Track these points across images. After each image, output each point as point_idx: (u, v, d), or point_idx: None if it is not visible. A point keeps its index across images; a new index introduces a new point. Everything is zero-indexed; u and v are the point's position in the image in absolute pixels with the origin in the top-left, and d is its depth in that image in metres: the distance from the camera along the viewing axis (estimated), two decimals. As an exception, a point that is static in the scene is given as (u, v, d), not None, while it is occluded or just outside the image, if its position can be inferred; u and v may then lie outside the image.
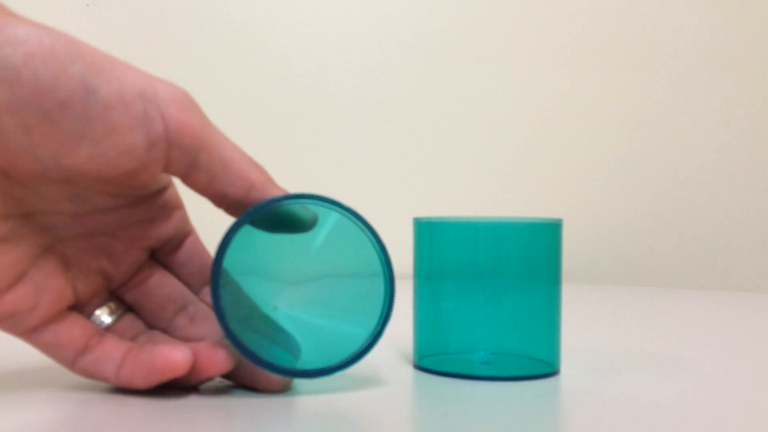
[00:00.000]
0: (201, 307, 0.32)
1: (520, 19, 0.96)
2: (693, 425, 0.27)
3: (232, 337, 0.28)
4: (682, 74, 0.95)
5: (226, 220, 0.29)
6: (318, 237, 0.31)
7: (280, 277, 0.31)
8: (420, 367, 0.35)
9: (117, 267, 0.31)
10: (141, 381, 0.28)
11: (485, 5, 0.96)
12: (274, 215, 0.29)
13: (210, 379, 0.30)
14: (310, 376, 0.29)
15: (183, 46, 0.92)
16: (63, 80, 0.24)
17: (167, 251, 0.32)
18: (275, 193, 0.29)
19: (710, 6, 0.95)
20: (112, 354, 0.29)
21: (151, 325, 0.32)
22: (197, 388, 0.31)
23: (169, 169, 0.28)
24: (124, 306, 0.32)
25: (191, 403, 0.28)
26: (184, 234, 0.33)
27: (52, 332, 0.28)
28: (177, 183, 0.31)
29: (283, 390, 0.30)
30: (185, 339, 0.31)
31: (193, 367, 0.28)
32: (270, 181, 0.29)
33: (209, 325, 0.31)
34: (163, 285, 0.32)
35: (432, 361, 0.35)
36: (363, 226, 0.30)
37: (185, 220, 0.33)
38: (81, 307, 0.30)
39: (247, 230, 0.29)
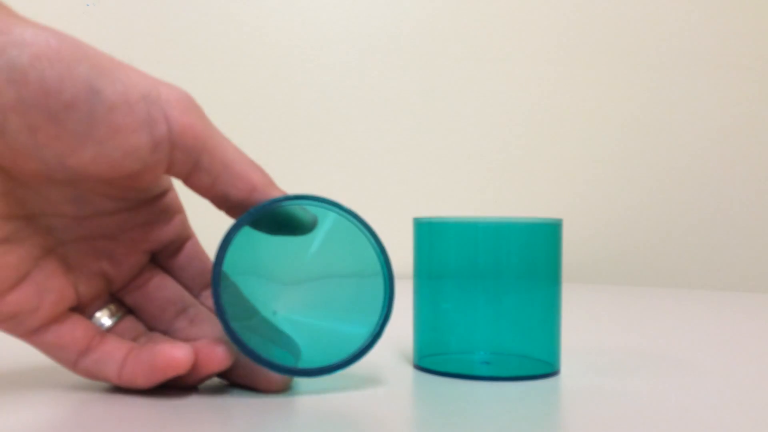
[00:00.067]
0: (201, 310, 0.32)
1: (520, 18, 0.96)
2: (693, 425, 0.27)
3: (232, 334, 0.28)
4: (682, 74, 0.95)
5: (225, 225, 0.29)
6: (317, 238, 0.31)
7: (280, 278, 0.31)
8: (420, 367, 0.35)
9: (118, 269, 0.31)
10: (143, 380, 0.28)
11: (486, 5, 0.96)
12: (274, 217, 0.30)
13: (209, 377, 0.30)
14: (310, 374, 0.29)
15: (183, 46, 0.92)
16: (68, 81, 0.25)
17: (167, 255, 0.32)
18: (277, 195, 0.29)
19: (710, 5, 0.95)
20: (113, 354, 0.29)
21: (151, 328, 0.32)
22: (197, 387, 0.31)
23: (171, 170, 0.28)
24: (125, 308, 0.32)
25: (191, 403, 0.28)
26: (185, 238, 0.33)
27: (54, 333, 0.28)
28: (177, 186, 0.31)
29: (283, 390, 0.30)
30: (185, 341, 0.31)
31: (193, 365, 0.28)
32: (271, 183, 0.29)
33: (209, 328, 0.31)
34: (163, 288, 0.32)
35: (432, 361, 0.35)
36: (362, 227, 0.30)
37: (185, 224, 0.33)
38: (82, 309, 0.30)
39: (248, 231, 0.29)
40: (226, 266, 0.28)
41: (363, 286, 0.31)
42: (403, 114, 0.95)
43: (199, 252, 0.33)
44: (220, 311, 0.28)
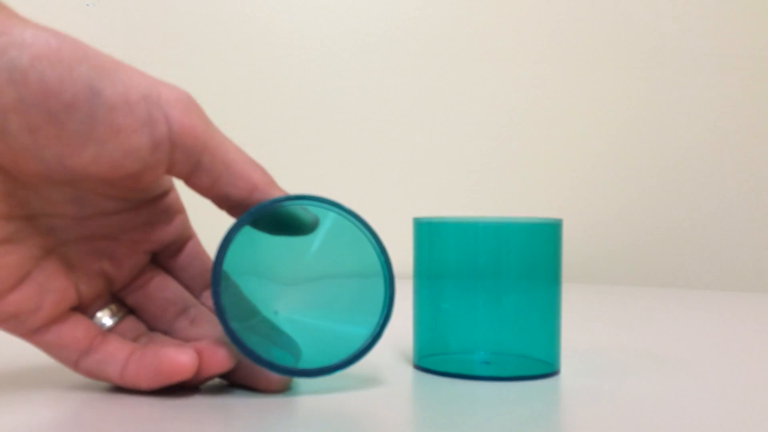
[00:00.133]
0: (201, 310, 0.32)
1: (520, 18, 0.96)
2: (693, 425, 0.27)
3: (232, 334, 0.28)
4: (682, 74, 0.95)
5: (226, 225, 0.29)
6: (318, 238, 0.31)
7: (280, 278, 0.31)
8: (420, 367, 0.35)
9: (119, 270, 0.31)
10: (146, 383, 0.28)
11: (486, 5, 0.96)
12: (275, 217, 0.30)
13: (212, 378, 0.30)
14: (310, 375, 0.29)
15: (183, 46, 0.92)
16: (69, 82, 0.25)
17: (168, 255, 0.33)
18: (277, 195, 0.29)
19: (709, 4, 0.95)
20: (115, 355, 0.29)
21: (152, 328, 0.32)
22: (198, 387, 0.31)
23: (172, 170, 0.28)
24: (126, 308, 0.32)
25: (191, 402, 0.28)
26: (186, 238, 0.33)
27: (56, 333, 0.28)
28: (178, 186, 0.31)
29: (283, 390, 0.30)
30: (186, 341, 0.31)
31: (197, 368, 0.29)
32: (272, 182, 0.29)
33: (210, 328, 0.31)
34: (164, 288, 0.32)
35: (432, 361, 0.35)
36: (362, 227, 0.30)
37: (186, 224, 0.33)
38: (83, 309, 0.30)
39: (248, 231, 0.29)
40: (227, 266, 0.28)
41: (363, 287, 0.31)
42: (403, 114, 0.95)
43: (200, 252, 0.33)
44: (219, 311, 0.28)
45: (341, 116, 0.95)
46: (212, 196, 0.29)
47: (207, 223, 0.38)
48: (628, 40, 0.96)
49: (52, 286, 0.28)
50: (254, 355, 0.28)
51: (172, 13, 0.92)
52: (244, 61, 0.93)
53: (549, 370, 0.34)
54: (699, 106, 0.96)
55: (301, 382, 0.32)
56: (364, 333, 0.30)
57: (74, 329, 0.29)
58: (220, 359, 0.29)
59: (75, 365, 0.29)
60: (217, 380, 0.32)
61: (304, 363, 0.30)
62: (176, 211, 0.32)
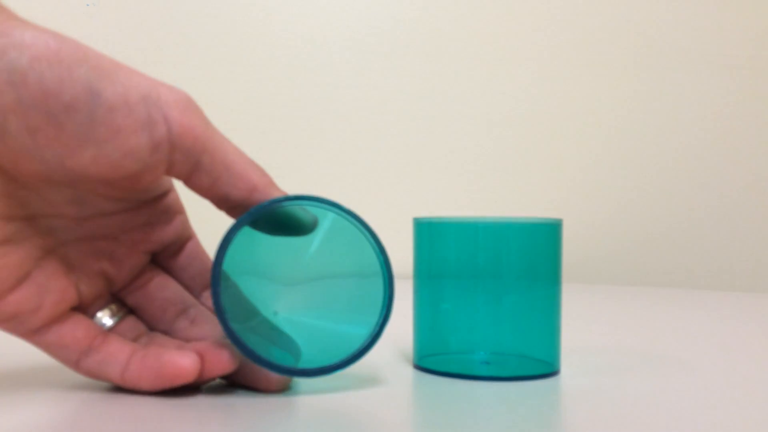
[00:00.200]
0: (201, 311, 0.32)
1: (520, 18, 0.96)
2: (693, 425, 0.27)
3: (231, 335, 0.28)
4: (683, 74, 0.95)
5: (226, 225, 0.29)
6: (317, 238, 0.31)
7: (280, 278, 0.31)
8: (420, 367, 0.35)
9: (118, 270, 0.31)
10: (147, 385, 0.29)
11: (487, 5, 0.96)
12: (274, 217, 0.30)
13: (213, 379, 0.30)
14: (310, 375, 0.29)
15: (183, 46, 0.92)
16: (68, 83, 0.25)
17: (168, 255, 0.33)
18: (277, 195, 0.29)
19: (708, 4, 0.95)
20: (116, 356, 0.29)
21: (152, 328, 0.32)
22: (199, 387, 0.31)
23: (171, 171, 0.28)
24: (126, 308, 0.32)
25: (191, 402, 0.28)
26: (185, 238, 0.33)
27: (56, 333, 0.28)
28: (178, 186, 0.32)
29: (282, 390, 0.30)
30: (186, 341, 0.31)
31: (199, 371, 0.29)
32: (272, 183, 0.29)
33: (210, 328, 0.31)
34: (164, 288, 0.32)
35: (432, 361, 0.35)
36: (362, 227, 0.30)
37: (186, 224, 0.33)
38: (83, 309, 0.30)
39: (248, 232, 0.29)
40: (226, 266, 0.28)
41: (362, 287, 0.31)
42: (403, 114, 0.95)
43: (200, 252, 0.33)
44: (219, 311, 0.28)
45: (341, 116, 0.95)
46: (212, 196, 0.29)
47: (207, 223, 0.38)
48: (629, 41, 0.96)
49: (52, 287, 0.28)
50: (254, 355, 0.28)
51: (171, 14, 0.92)
52: (244, 61, 0.93)
53: (549, 370, 0.34)
54: (699, 106, 0.96)
55: (301, 382, 0.32)
56: (363, 333, 0.30)
57: (75, 329, 0.29)
58: (223, 361, 0.29)
59: (76, 365, 0.29)
60: (217, 380, 0.32)
61: (304, 363, 0.30)
62: (176, 211, 0.32)
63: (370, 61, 0.95)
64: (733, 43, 0.95)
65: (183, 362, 0.28)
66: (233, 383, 0.31)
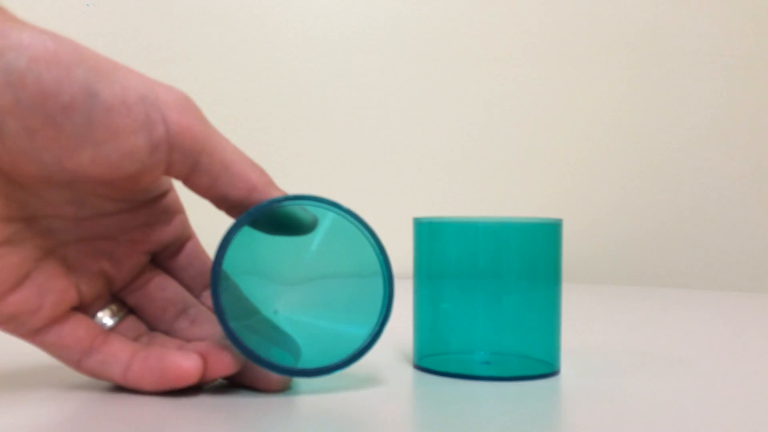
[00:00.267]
0: (202, 310, 0.32)
1: (520, 18, 0.96)
2: (693, 425, 0.27)
3: (231, 335, 0.28)
4: (683, 75, 0.95)
5: (225, 225, 0.29)
6: (317, 238, 0.31)
7: (279, 278, 0.31)
8: (420, 367, 0.35)
9: (118, 270, 0.31)
10: (150, 386, 0.29)
11: (487, 5, 0.96)
12: (274, 217, 0.30)
13: (215, 380, 0.30)
14: (309, 375, 0.29)
15: (183, 46, 0.92)
16: (66, 84, 0.25)
17: (168, 255, 0.33)
18: (276, 195, 0.29)
19: (714, 3, 0.95)
20: (118, 356, 0.29)
21: (152, 327, 0.32)
22: (200, 387, 0.31)
23: (170, 172, 0.28)
24: (126, 308, 0.32)
25: (192, 402, 0.28)
26: (185, 238, 0.33)
27: (56, 333, 0.28)
28: (177, 186, 0.31)
29: (282, 390, 0.30)
30: (187, 341, 0.31)
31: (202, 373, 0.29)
32: (271, 182, 0.29)
33: (210, 328, 0.31)
34: (164, 288, 0.32)
35: (432, 361, 0.35)
36: (362, 227, 0.30)
37: (186, 224, 0.33)
38: (84, 309, 0.30)
39: (247, 231, 0.29)
40: (226, 266, 0.28)
41: (362, 286, 0.31)
42: (403, 114, 0.95)
43: (200, 252, 0.33)
44: (218, 311, 0.28)
45: (341, 116, 0.95)
46: (211, 196, 0.29)
47: (206, 223, 0.38)
48: (628, 41, 0.96)
49: (51, 287, 0.28)
50: (254, 355, 0.28)
51: (171, 14, 0.92)
52: (244, 60, 0.93)
53: (549, 370, 0.34)
54: (700, 106, 0.96)
55: (301, 382, 0.32)
56: (363, 333, 0.30)
57: (75, 329, 0.29)
58: (226, 362, 0.29)
59: (77, 365, 0.29)
60: (217, 380, 0.32)
61: (304, 363, 0.30)
62: (175, 211, 0.32)
63: (370, 60, 0.95)
64: (733, 43, 0.95)
65: (186, 364, 0.28)
66: (233, 383, 0.31)
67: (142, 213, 0.31)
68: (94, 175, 0.26)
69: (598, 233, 0.95)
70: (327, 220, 0.31)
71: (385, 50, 0.95)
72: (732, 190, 0.95)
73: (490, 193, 0.95)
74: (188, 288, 0.33)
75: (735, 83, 0.95)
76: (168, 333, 0.32)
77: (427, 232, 0.35)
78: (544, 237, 0.35)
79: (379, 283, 0.30)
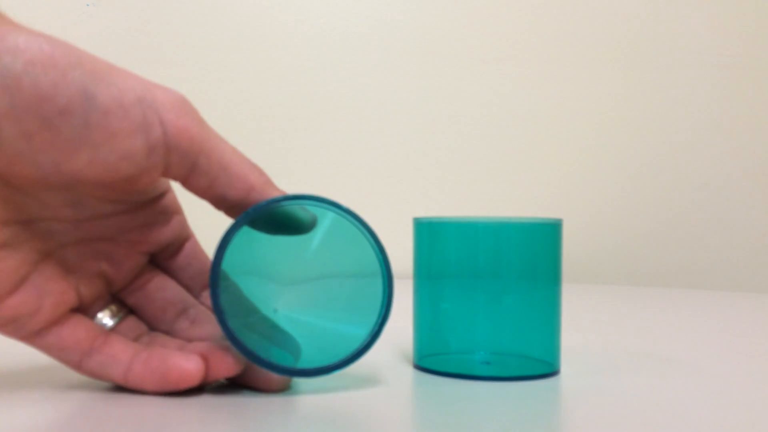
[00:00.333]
0: (201, 310, 0.32)
1: (520, 19, 0.96)
2: (693, 425, 0.27)
3: (230, 335, 0.28)
4: (682, 75, 0.95)
5: (224, 225, 0.29)
6: (316, 238, 0.31)
7: (279, 277, 0.31)
8: (420, 367, 0.35)
9: (117, 271, 0.31)
10: (150, 387, 0.29)
11: (486, 5, 0.96)
12: (273, 217, 0.30)
13: (217, 381, 0.30)
14: (309, 375, 0.29)
15: (182, 46, 0.92)
16: (63, 87, 0.25)
17: (167, 256, 0.33)
18: (275, 195, 0.29)
19: (713, 3, 0.95)
20: (119, 357, 0.29)
21: (152, 328, 0.32)
22: (201, 387, 0.31)
23: (168, 173, 0.28)
24: (126, 309, 0.32)
25: (192, 402, 0.28)
26: (184, 238, 0.33)
27: (56, 335, 0.28)
28: (175, 186, 0.31)
29: (282, 389, 0.30)
30: (187, 341, 0.31)
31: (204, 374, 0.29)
32: (269, 182, 0.29)
33: (210, 328, 0.31)
34: (163, 289, 0.32)
35: (432, 361, 0.35)
36: (361, 227, 0.30)
37: (184, 224, 0.33)
38: (84, 310, 0.30)
39: (247, 231, 0.29)
40: (226, 266, 0.28)
41: (362, 286, 0.31)
42: (402, 114, 0.95)
43: (199, 252, 0.33)
44: (218, 311, 0.28)
45: (340, 116, 0.95)
46: (209, 197, 0.29)
47: (205, 223, 0.38)
48: (628, 41, 0.96)
49: (50, 289, 0.28)
50: (253, 355, 0.28)
51: (171, 15, 0.92)
52: (243, 61, 0.93)
53: (549, 370, 0.34)
54: (700, 106, 0.96)
55: (301, 382, 0.32)
56: (362, 333, 0.30)
57: (75, 330, 0.29)
58: (228, 364, 0.29)
59: (78, 366, 0.29)
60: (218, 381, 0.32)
61: (303, 363, 0.30)
62: (173, 211, 0.32)
63: (370, 61, 0.95)
64: (732, 43, 0.95)
65: (188, 366, 0.28)
66: (233, 383, 0.31)
67: (141, 214, 0.31)
68: (92, 177, 0.26)
69: (598, 233, 0.95)
70: (326, 219, 0.31)
71: (385, 50, 0.95)
72: (731, 190, 0.95)
73: (490, 193, 0.95)
74: (187, 288, 0.33)
75: (734, 83, 0.95)
76: (168, 333, 0.32)
77: (427, 232, 0.35)
78: (544, 237, 0.35)
79: (378, 283, 0.30)
